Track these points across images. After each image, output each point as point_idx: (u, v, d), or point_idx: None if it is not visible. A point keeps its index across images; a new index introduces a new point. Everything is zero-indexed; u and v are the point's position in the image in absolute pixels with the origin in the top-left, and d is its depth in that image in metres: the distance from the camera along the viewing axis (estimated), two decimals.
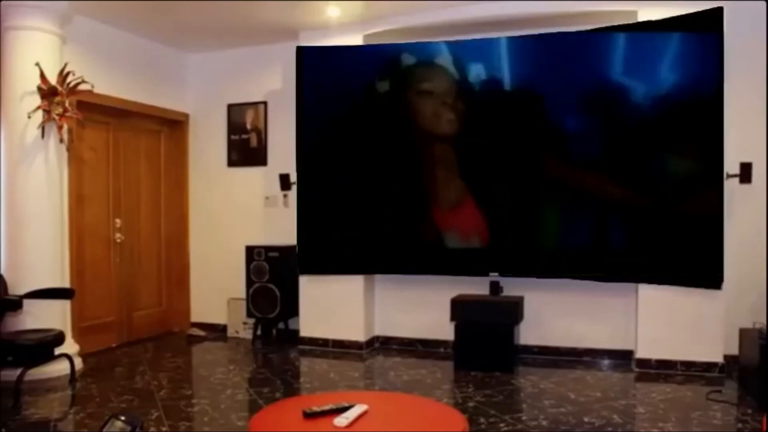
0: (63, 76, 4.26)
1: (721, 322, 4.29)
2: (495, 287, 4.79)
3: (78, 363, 4.44)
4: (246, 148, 5.89)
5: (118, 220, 5.44)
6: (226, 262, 5.85)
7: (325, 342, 5.24)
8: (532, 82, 4.56)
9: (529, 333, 4.88)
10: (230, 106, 5.93)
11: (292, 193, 5.43)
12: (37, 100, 4.18)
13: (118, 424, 2.02)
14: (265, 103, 5.82)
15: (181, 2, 4.60)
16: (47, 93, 4.18)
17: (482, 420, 3.43)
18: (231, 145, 5.95)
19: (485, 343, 4.54)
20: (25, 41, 4.20)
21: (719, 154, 4.13)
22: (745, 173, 4.27)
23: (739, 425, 3.37)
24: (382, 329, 5.36)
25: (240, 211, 5.90)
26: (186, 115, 6.08)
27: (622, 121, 4.39)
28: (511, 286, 4.81)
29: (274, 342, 5.53)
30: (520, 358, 4.77)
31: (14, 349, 3.85)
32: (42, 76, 4.16)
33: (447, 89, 4.72)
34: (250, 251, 5.43)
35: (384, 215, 4.93)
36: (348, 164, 4.97)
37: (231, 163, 5.96)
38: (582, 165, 4.47)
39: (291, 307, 5.40)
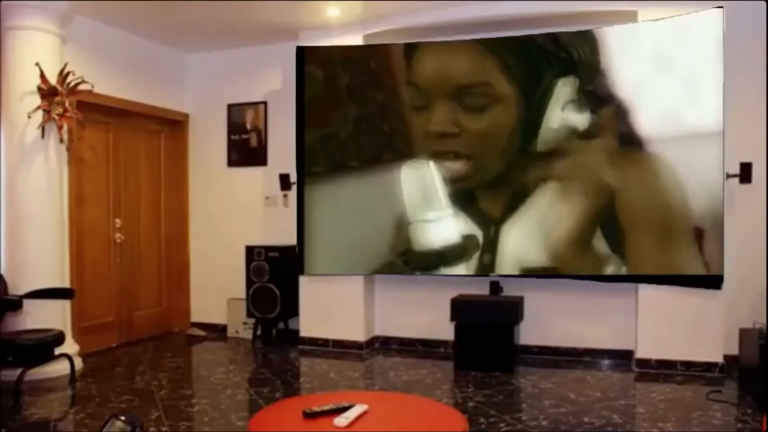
0: (63, 76, 4.26)
1: (721, 322, 4.30)
2: (495, 287, 4.79)
3: (78, 363, 4.44)
4: (246, 148, 5.89)
5: (118, 220, 5.45)
6: (226, 262, 5.85)
7: (325, 342, 5.24)
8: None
9: (529, 333, 4.88)
10: (230, 106, 5.94)
11: (292, 193, 5.43)
12: (37, 100, 4.18)
13: (118, 424, 2.03)
14: (265, 103, 5.82)
15: (181, 2, 4.60)
16: (47, 93, 4.18)
17: (482, 420, 3.43)
18: (231, 145, 5.95)
19: (485, 343, 4.54)
20: (25, 41, 4.20)
21: (720, 154, 4.13)
22: (745, 173, 4.27)
23: (739, 425, 3.38)
24: (382, 329, 5.36)
25: (240, 211, 5.90)
26: (186, 115, 6.08)
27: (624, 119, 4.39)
28: (511, 286, 4.81)
29: (274, 342, 5.53)
30: (520, 358, 4.77)
31: (14, 349, 3.85)
32: (42, 76, 4.15)
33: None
34: (250, 251, 5.43)
35: (384, 215, 4.91)
36: (348, 163, 4.96)
37: (231, 163, 5.96)
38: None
39: (291, 307, 5.40)
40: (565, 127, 4.39)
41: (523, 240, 4.58)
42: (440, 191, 4.72)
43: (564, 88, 4.39)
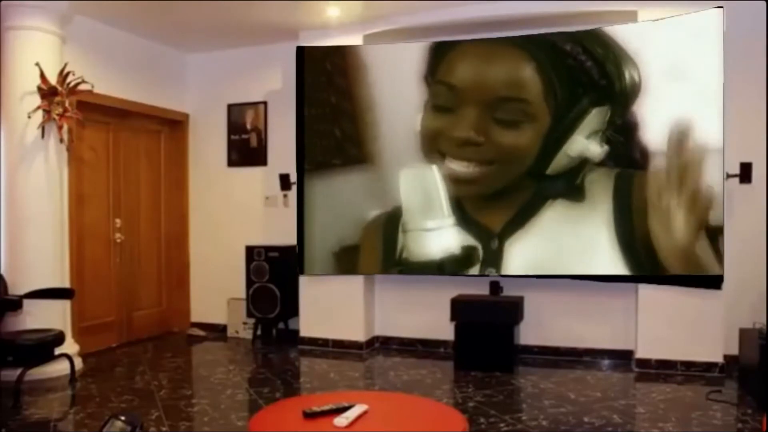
0: (63, 76, 4.26)
1: (721, 322, 4.29)
2: (495, 287, 4.79)
3: (78, 363, 4.44)
4: (246, 148, 5.89)
5: (118, 220, 5.45)
6: (226, 262, 5.85)
7: (325, 342, 5.24)
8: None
9: (529, 333, 4.88)
10: (230, 106, 5.94)
11: (292, 193, 5.43)
12: (37, 100, 4.18)
13: (118, 424, 2.03)
14: (265, 103, 5.82)
15: (181, 2, 4.60)
16: (47, 93, 4.18)
17: (482, 420, 3.43)
18: (231, 145, 5.95)
19: (485, 343, 4.54)
20: (25, 41, 4.20)
21: (719, 154, 4.12)
22: (745, 173, 4.27)
23: (739, 425, 3.38)
24: (382, 329, 5.36)
25: (240, 211, 5.90)
26: (186, 115, 6.08)
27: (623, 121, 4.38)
28: (511, 286, 4.81)
29: (274, 342, 5.53)
30: (520, 358, 4.77)
31: (14, 349, 3.85)
32: (42, 76, 4.16)
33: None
34: (250, 251, 5.43)
35: (383, 215, 4.91)
36: (347, 164, 4.96)
37: (231, 163, 5.96)
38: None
39: (291, 307, 5.40)
40: (581, 156, 4.32)
41: (530, 254, 4.51)
42: (443, 199, 4.58)
43: (595, 118, 4.30)
